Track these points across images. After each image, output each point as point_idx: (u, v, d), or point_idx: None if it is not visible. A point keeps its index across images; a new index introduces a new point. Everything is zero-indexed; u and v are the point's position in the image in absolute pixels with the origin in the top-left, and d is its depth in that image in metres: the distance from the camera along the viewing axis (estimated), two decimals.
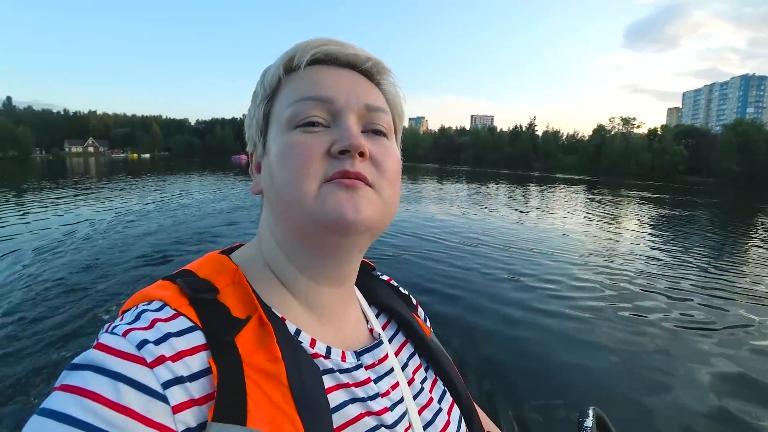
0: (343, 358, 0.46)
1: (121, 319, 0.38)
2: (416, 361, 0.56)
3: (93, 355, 0.33)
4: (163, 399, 0.32)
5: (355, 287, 0.57)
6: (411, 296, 0.66)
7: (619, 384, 3.13)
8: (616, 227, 10.89)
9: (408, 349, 0.57)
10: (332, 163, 0.42)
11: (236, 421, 0.33)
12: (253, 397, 0.35)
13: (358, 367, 0.47)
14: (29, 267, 5.29)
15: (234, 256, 0.48)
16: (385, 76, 0.49)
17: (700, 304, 4.87)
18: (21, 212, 9.83)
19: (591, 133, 72.23)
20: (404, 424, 0.47)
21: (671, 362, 3.47)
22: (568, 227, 10.13)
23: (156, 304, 0.39)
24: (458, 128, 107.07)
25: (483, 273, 5.60)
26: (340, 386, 0.43)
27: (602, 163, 63.17)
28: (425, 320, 0.66)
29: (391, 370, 0.50)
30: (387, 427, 0.44)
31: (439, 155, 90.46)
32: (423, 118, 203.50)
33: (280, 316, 0.43)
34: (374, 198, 0.43)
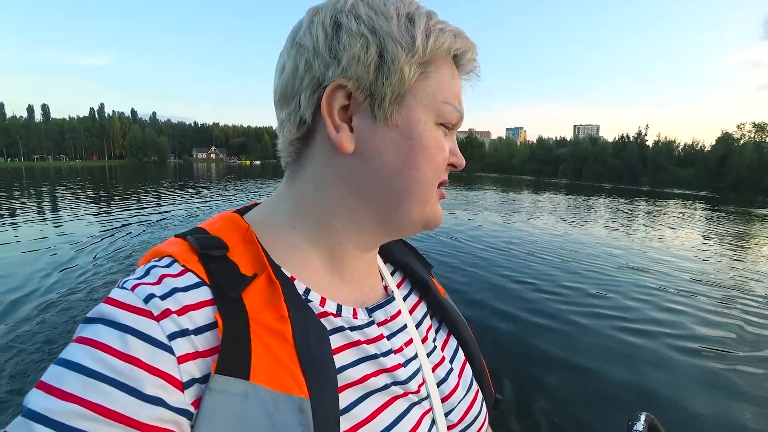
0: (355, 315, 0.46)
1: (133, 275, 0.39)
2: (430, 320, 0.57)
3: (103, 309, 0.34)
4: (169, 350, 0.33)
5: None
6: (426, 259, 0.66)
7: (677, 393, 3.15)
8: (743, 251, 9.35)
9: (422, 308, 0.57)
10: (443, 173, 0.46)
11: (239, 375, 0.34)
12: (257, 352, 0.35)
13: (370, 323, 0.47)
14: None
15: (247, 216, 0.48)
16: None
17: None
18: (162, 204, 12.89)
19: (714, 143, 64.25)
20: (417, 380, 0.48)
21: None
22: (680, 249, 9.21)
23: (166, 261, 0.40)
24: (557, 138, 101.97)
25: (573, 288, 5.51)
26: (352, 344, 0.44)
27: (726, 177, 55.90)
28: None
29: (405, 326, 0.51)
30: (400, 383, 0.45)
31: (536, 167, 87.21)
32: (521, 128, 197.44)
33: (289, 275, 0.43)
34: None
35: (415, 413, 0.46)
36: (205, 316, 0.36)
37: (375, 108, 0.42)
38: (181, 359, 0.33)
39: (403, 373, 0.46)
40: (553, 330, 4.27)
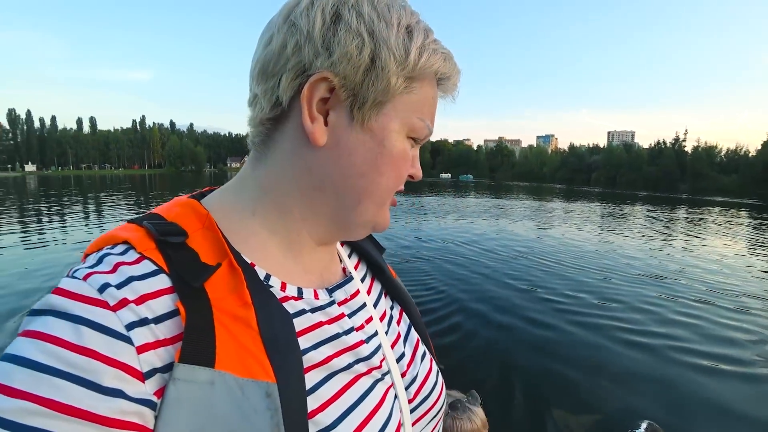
0: (316, 296, 0.47)
1: (84, 263, 0.38)
2: (384, 299, 0.59)
3: (53, 300, 0.33)
4: (127, 340, 0.32)
5: None
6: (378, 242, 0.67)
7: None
8: None
9: (377, 288, 0.59)
10: (402, 182, 0.48)
11: (204, 363, 0.33)
12: (222, 340, 0.35)
13: (331, 303, 0.48)
14: None
15: (205, 202, 0.46)
16: None
17: None
18: None
19: (759, 147, 60.50)
20: (379, 356, 0.49)
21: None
22: (724, 259, 8.74)
23: (120, 248, 0.38)
24: (590, 146, 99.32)
25: (603, 298, 5.45)
26: (315, 326, 0.44)
27: None
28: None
29: (364, 305, 0.52)
30: (363, 359, 0.46)
31: (567, 175, 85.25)
32: (552, 136, 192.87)
33: (249, 261, 0.43)
34: None
35: (379, 389, 0.47)
36: (164, 304, 0.35)
37: (354, 109, 0.42)
38: (141, 349, 0.33)
39: (365, 350, 0.47)
40: (576, 338, 4.28)
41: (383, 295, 0.59)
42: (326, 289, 0.49)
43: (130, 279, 0.35)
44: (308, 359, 0.41)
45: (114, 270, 0.35)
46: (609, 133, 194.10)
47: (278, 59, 0.41)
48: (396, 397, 0.49)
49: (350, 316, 0.49)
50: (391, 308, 0.59)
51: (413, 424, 0.51)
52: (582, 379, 3.49)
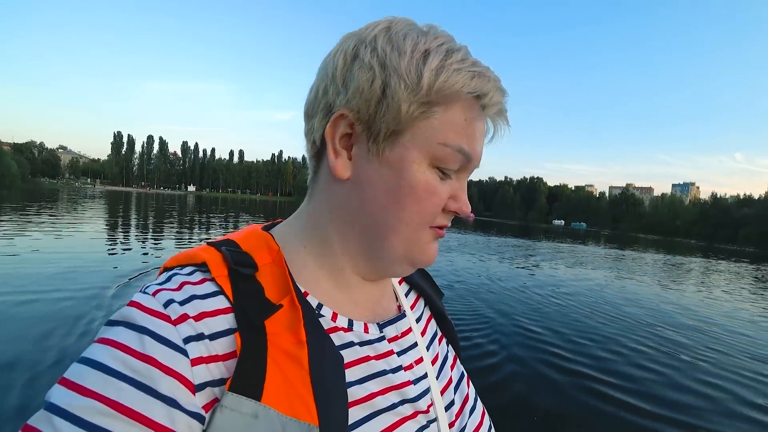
0: (366, 330, 0.46)
1: (156, 280, 0.41)
2: (438, 343, 0.57)
3: (125, 312, 0.36)
4: (183, 352, 0.34)
5: None
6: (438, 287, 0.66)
7: None
8: None
9: (431, 329, 0.57)
10: (441, 216, 0.45)
11: (251, 395, 0.34)
12: (271, 375, 0.36)
13: (381, 339, 0.47)
14: None
15: (275, 235, 0.48)
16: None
17: None
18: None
19: None
20: (426, 400, 0.47)
21: None
22: None
23: (188, 269, 0.41)
24: (741, 197, 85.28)
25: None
26: (361, 360, 0.44)
27: None
28: None
29: (415, 344, 0.51)
30: (409, 401, 0.45)
31: (708, 230, 74.57)
32: (692, 184, 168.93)
33: (303, 290, 0.44)
34: None
35: None
36: (221, 323, 0.37)
37: (370, 141, 0.43)
38: (194, 362, 0.34)
39: (412, 391, 0.46)
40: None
41: (438, 340, 0.57)
42: (377, 323, 0.49)
43: (192, 297, 0.38)
44: (351, 394, 0.40)
45: (179, 288, 0.38)
46: None
47: (313, 103, 0.45)
48: None
49: (399, 354, 0.48)
50: (446, 353, 0.57)
51: None
52: None
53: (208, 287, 0.39)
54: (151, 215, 20.15)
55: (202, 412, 0.34)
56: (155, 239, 11.14)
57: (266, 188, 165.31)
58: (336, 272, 0.48)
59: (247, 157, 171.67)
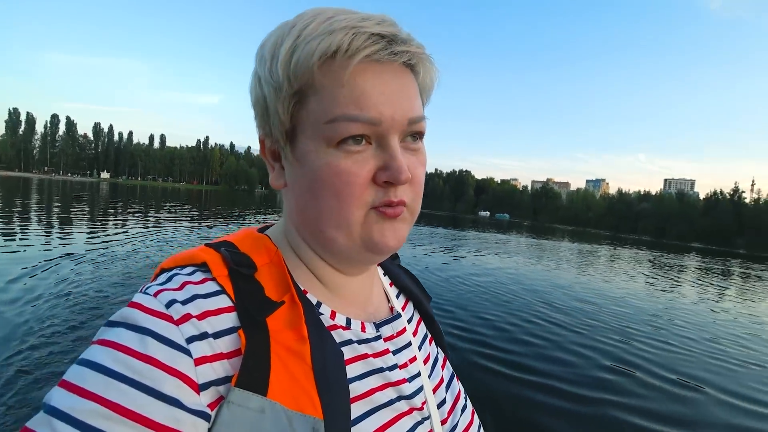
0: (363, 329, 0.47)
1: (155, 281, 0.41)
2: (429, 344, 0.58)
3: (126, 313, 0.36)
4: (186, 352, 0.34)
5: (379, 268, 0.60)
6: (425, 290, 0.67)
7: None
8: None
9: (422, 331, 0.59)
10: (377, 192, 0.42)
11: (258, 390, 0.35)
12: (276, 370, 0.36)
13: (377, 338, 0.48)
14: None
15: (271, 236, 0.49)
16: (426, 65, 0.45)
17: None
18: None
19: None
20: (421, 397, 0.48)
21: None
22: None
23: (189, 269, 0.42)
24: (642, 192, 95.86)
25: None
26: (359, 357, 0.45)
27: None
28: None
29: (409, 344, 0.52)
30: (405, 397, 0.46)
31: (613, 222, 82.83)
32: (603, 180, 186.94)
33: (302, 289, 0.45)
34: (409, 218, 0.45)
35: None
36: (224, 322, 0.37)
37: (282, 150, 0.45)
38: (198, 361, 0.34)
39: (408, 388, 0.47)
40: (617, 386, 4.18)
41: (428, 341, 0.58)
42: (373, 323, 0.50)
43: (195, 297, 0.38)
44: (352, 389, 0.41)
45: (181, 288, 0.38)
46: (666, 180, 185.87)
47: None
48: None
49: (395, 353, 0.49)
50: (436, 354, 0.58)
51: None
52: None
53: (210, 287, 0.39)
54: (56, 206, 18.11)
55: (208, 410, 0.34)
56: (62, 232, 10.08)
57: (191, 176, 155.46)
58: (317, 270, 0.48)
59: (169, 142, 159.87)
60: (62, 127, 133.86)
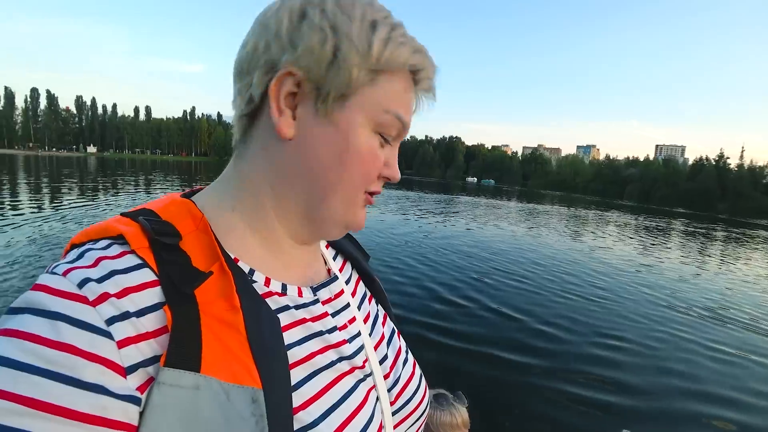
0: (300, 294, 0.47)
1: (64, 258, 0.37)
2: (368, 303, 0.59)
3: (30, 297, 0.32)
4: (107, 335, 0.31)
5: None
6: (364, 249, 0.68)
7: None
8: None
9: (361, 290, 0.59)
10: (375, 181, 0.47)
11: (190, 367, 0.33)
12: (208, 344, 0.34)
13: (315, 302, 0.48)
14: None
15: (197, 201, 0.45)
16: None
17: None
18: None
19: None
20: (362, 356, 0.49)
21: None
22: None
23: (103, 243, 0.38)
24: (630, 158, 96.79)
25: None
26: (298, 322, 0.44)
27: None
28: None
29: (348, 305, 0.52)
30: (346, 358, 0.46)
31: (600, 187, 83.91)
32: (594, 146, 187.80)
33: (233, 256, 0.43)
34: None
35: (362, 390, 0.47)
36: (148, 298, 0.35)
37: (319, 102, 0.42)
38: (121, 343, 0.32)
39: (348, 349, 0.47)
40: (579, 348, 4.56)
41: (368, 300, 0.59)
42: (310, 287, 0.49)
43: (113, 273, 0.34)
44: (291, 355, 0.41)
45: (95, 264, 0.35)
46: (657, 146, 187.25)
47: (251, 58, 0.43)
48: (378, 399, 0.49)
49: (333, 315, 0.49)
50: (376, 312, 0.59)
51: (395, 427, 0.51)
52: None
53: (129, 260, 0.36)
54: (45, 184, 18.51)
55: (137, 393, 0.32)
56: (57, 212, 10.52)
57: (179, 148, 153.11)
58: (268, 235, 0.47)
59: (155, 114, 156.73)
60: (43, 101, 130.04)
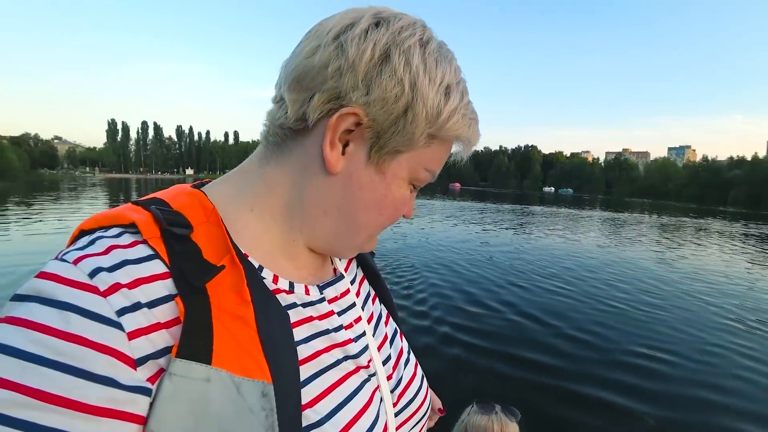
0: (307, 292, 0.47)
1: (74, 245, 0.36)
2: (372, 302, 0.59)
3: (38, 285, 0.31)
4: (118, 326, 0.31)
5: None
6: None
7: None
8: None
9: (365, 290, 0.59)
10: (396, 221, 0.50)
11: (201, 359, 0.33)
12: (219, 337, 0.34)
13: (321, 300, 0.48)
14: None
15: (208, 193, 0.44)
16: None
17: None
18: None
19: None
20: (366, 356, 0.49)
21: None
22: None
23: (114, 230, 0.37)
24: (734, 158, 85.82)
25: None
26: (305, 320, 0.44)
27: None
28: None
29: (353, 304, 0.53)
30: (352, 357, 0.47)
31: (696, 192, 75.57)
32: (688, 147, 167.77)
33: (243, 252, 0.42)
34: None
35: (367, 389, 0.47)
36: (159, 289, 0.34)
37: (374, 150, 0.43)
38: (132, 335, 0.32)
39: (353, 348, 0.47)
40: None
41: (371, 300, 0.59)
42: (317, 285, 0.49)
43: (125, 262, 0.34)
44: (299, 352, 0.41)
45: (107, 252, 0.34)
46: None
47: (316, 75, 0.40)
48: (382, 399, 0.50)
49: (339, 314, 0.49)
50: (379, 312, 0.59)
51: (397, 429, 0.51)
52: None
53: (141, 250, 0.35)
54: None
55: (148, 384, 0.32)
56: None
57: None
58: (286, 240, 0.47)
59: (242, 137, 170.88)
60: (151, 132, 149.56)
